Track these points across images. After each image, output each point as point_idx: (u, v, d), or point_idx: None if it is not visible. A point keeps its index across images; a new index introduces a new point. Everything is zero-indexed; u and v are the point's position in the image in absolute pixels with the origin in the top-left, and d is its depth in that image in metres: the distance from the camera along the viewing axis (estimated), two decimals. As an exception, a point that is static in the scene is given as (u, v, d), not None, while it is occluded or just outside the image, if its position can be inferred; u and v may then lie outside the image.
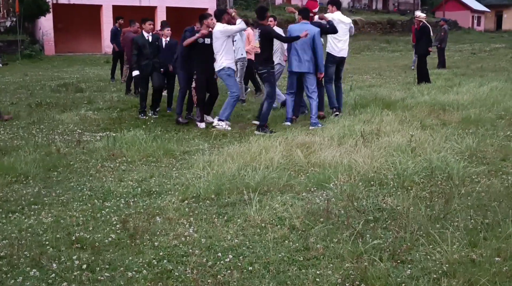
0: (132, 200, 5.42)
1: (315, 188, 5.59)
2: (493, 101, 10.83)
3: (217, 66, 9.14)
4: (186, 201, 5.27)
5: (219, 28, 9.05)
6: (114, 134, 8.53)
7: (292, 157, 6.60)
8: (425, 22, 15.17)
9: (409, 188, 5.48)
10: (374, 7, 51.57)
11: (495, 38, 43.59)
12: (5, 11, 32.63)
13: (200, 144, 7.92)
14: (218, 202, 5.22)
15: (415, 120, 8.91)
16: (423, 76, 14.87)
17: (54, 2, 30.61)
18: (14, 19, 28.55)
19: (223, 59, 9.05)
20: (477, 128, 8.55)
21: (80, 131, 9.11)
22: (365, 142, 7.17)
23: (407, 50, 31.58)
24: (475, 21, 59.64)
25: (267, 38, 8.96)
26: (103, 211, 5.06)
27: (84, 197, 5.56)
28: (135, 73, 10.29)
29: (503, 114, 9.74)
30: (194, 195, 5.41)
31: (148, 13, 31.87)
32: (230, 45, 9.27)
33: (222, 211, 4.99)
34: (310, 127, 8.90)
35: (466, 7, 58.94)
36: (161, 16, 32.67)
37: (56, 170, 6.56)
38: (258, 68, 9.26)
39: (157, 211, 5.02)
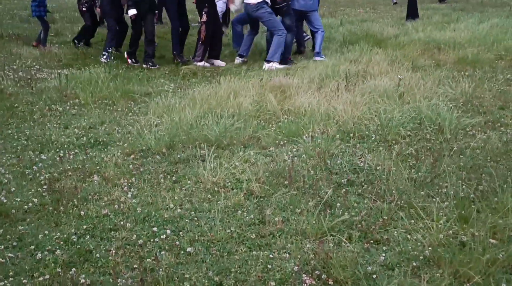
0: (73, 152, 4.66)
1: (285, 141, 4.84)
2: (493, 40, 9.95)
3: (252, 1, 8.12)
4: (132, 156, 4.52)
5: None
6: (74, 71, 7.69)
7: (264, 103, 5.80)
8: None
9: (393, 142, 4.74)
10: None
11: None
12: None
13: (166, 85, 7.10)
14: (169, 158, 4.47)
15: (407, 60, 8.08)
16: (410, 10, 13.80)
17: None
18: None
19: None
20: (474, 70, 7.76)
21: (38, 67, 8.23)
22: (348, 85, 6.37)
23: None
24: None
25: None
26: (34, 167, 4.30)
27: (18, 147, 4.80)
28: (133, 12, 8.28)
29: (503, 55, 8.91)
30: (144, 148, 4.66)
31: None
32: None
33: (171, 169, 4.24)
34: (315, 58, 8.76)
35: None
36: None
37: (-5, 114, 5.77)
38: (276, 2, 8.32)
39: (97, 167, 4.27)
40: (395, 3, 18.00)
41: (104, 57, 8.50)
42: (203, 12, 8.29)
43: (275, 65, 8.12)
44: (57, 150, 4.73)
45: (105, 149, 4.75)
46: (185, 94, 6.34)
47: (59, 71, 7.90)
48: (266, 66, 8.13)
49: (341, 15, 14.78)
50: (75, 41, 9.87)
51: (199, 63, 8.34)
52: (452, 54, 8.83)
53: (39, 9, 9.77)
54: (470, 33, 10.70)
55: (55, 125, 5.45)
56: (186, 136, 4.80)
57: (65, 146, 4.83)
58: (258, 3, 8.10)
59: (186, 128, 4.96)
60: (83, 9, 9.83)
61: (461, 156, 4.42)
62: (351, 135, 4.92)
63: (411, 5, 13.81)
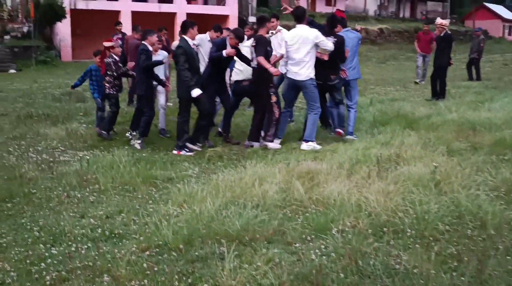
0: (85, 246, 4.38)
1: (312, 236, 4.47)
2: (531, 120, 9.56)
3: (303, 76, 7.99)
4: (147, 252, 4.20)
5: (310, 34, 7.95)
6: (98, 153, 7.56)
7: (290, 191, 5.48)
8: (448, 30, 13.73)
9: (431, 239, 4.33)
10: (401, 15, 50.07)
11: (528, 48, 41.76)
12: (23, 16, 32.22)
13: (190, 169, 6.86)
14: (186, 255, 4.12)
15: (441, 143, 7.72)
16: (441, 90, 13.50)
17: (72, 7, 30.04)
18: (32, 25, 27.98)
19: (310, 69, 8.01)
20: (513, 154, 7.34)
21: (62, 148, 8.14)
22: (380, 172, 6.03)
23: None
24: (506, 31, 57.68)
25: (340, 48, 8.40)
26: (42, 263, 4.02)
27: (29, 240, 4.54)
28: (197, 92, 7.77)
29: (543, 137, 8.48)
30: (160, 243, 4.34)
31: (168, 19, 31.11)
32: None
33: (187, 269, 3.89)
34: (347, 137, 8.63)
35: (497, 16, 57.12)
36: (180, 23, 31.81)
37: (12, 200, 5.57)
38: (329, 78, 8.37)
39: (108, 265, 3.96)
40: (420, 82, 17.68)
41: (139, 142, 8.20)
42: (271, 93, 8.16)
43: (313, 144, 7.94)
44: (70, 243, 4.46)
45: (120, 243, 4.45)
46: (209, 179, 6.08)
47: (83, 153, 7.79)
48: (304, 146, 7.92)
49: (371, 94, 14.62)
50: (103, 133, 8.87)
51: (270, 144, 8.10)
52: (488, 136, 8.44)
53: (99, 89, 9.34)
54: (506, 113, 10.34)
55: (71, 213, 5.20)
56: (206, 230, 4.48)
57: (78, 238, 4.55)
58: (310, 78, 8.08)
59: (207, 220, 4.65)
60: (112, 92, 8.94)
61: (508, 257, 3.98)
62: (385, 229, 4.54)
63: (441, 85, 13.53)
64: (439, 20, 13.75)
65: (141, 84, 8.48)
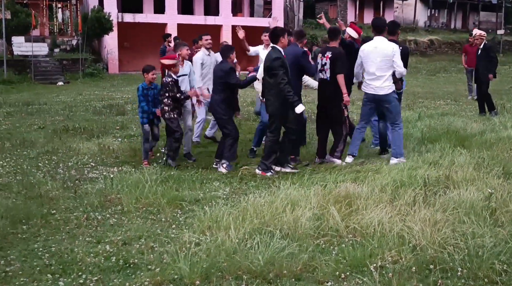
0: (95, 277, 3.98)
1: (347, 273, 3.95)
2: None
3: (386, 89, 7.56)
4: (160, 287, 3.77)
5: (390, 47, 7.48)
6: (127, 170, 7.24)
7: (325, 218, 4.96)
8: (486, 41, 12.84)
9: (486, 281, 3.74)
10: (452, 26, 48.63)
11: None
12: (72, 30, 32.81)
13: (220, 189, 6.42)
14: (201, 294, 3.68)
15: (496, 164, 7.03)
16: (488, 104, 12.55)
17: (119, 20, 30.37)
18: (80, 38, 28.38)
19: (391, 83, 7.61)
20: None
21: (93, 164, 7.84)
22: (427, 197, 5.43)
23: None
24: None
25: (406, 58, 8.07)
26: (45, 298, 3.64)
27: (38, 268, 4.18)
28: (301, 108, 7.05)
29: None
30: (176, 276, 3.90)
31: (213, 32, 31.05)
32: None
33: (201, 311, 3.45)
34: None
35: (556, 25, 54.85)
36: (226, 35, 31.75)
37: (28, 222, 5.24)
38: (397, 88, 7.90)
39: (115, 302, 3.55)
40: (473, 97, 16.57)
41: (224, 166, 7.42)
42: (344, 107, 7.70)
43: (402, 159, 7.59)
44: (80, 273, 4.07)
45: (133, 275, 4.03)
46: (238, 202, 5.61)
47: (112, 169, 7.47)
48: (395, 161, 7.54)
49: (419, 108, 13.89)
50: (172, 162, 7.68)
51: (337, 161, 7.63)
52: (550, 156, 7.69)
53: (142, 115, 7.91)
54: None
55: (87, 238, 4.83)
56: (227, 263, 4.01)
57: (90, 268, 4.16)
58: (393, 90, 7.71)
59: (229, 251, 4.18)
60: (173, 116, 7.72)
61: None
62: (431, 267, 3.97)
63: (487, 98, 12.58)
64: (477, 31, 13.05)
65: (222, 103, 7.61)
